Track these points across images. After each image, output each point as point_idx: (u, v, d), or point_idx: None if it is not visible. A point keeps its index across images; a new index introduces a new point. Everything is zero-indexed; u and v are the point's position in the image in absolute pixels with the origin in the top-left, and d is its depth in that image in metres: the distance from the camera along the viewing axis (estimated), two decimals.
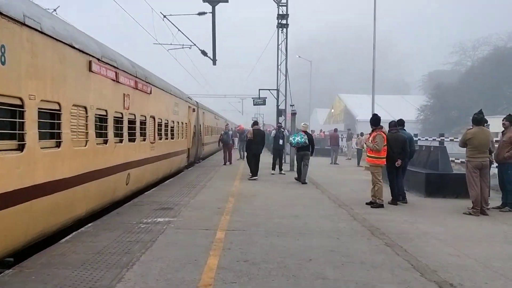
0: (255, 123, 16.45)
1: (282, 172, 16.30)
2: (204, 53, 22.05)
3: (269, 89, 21.25)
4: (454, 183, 11.10)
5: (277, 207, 9.22)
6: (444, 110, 51.86)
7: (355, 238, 6.56)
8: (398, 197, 9.85)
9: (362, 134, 23.15)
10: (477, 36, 71.50)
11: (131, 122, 10.05)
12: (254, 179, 14.55)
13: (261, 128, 16.47)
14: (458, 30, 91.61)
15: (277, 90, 21.78)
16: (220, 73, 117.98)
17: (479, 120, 8.68)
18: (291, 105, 18.46)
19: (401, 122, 10.67)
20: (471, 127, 8.84)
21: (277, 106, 21.67)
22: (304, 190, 12.03)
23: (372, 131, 9.81)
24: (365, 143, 10.32)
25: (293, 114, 17.70)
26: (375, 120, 9.83)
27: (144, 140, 11.24)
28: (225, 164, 20.43)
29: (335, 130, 24.63)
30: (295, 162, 15.69)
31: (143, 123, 11.10)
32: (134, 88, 10.16)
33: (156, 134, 12.45)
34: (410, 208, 9.40)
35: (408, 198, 10.58)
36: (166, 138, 14.05)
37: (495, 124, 31.31)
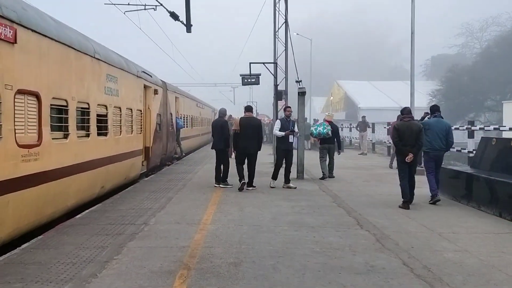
0: (245, 108, 10.55)
1: (291, 184, 10.24)
2: (174, 16, 15.81)
3: (263, 63, 15.15)
4: None
5: None
6: (461, 94, 45.84)
7: None
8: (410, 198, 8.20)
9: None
10: (477, 17, 65.73)
11: None
12: (248, 189, 9.90)
13: (255, 116, 10.84)
14: (455, 13, 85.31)
15: (275, 63, 15.68)
16: (209, 62, 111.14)
17: None
18: (297, 81, 12.40)
19: (436, 108, 9.04)
20: None
21: (275, 85, 15.57)
22: (351, 242, 5.98)
23: None
24: None
25: (302, 93, 11.65)
26: None
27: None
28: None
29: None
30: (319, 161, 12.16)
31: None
32: None
33: (47, 130, 6.35)
34: None
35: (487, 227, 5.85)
36: (86, 135, 7.98)
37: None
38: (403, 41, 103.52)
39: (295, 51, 15.92)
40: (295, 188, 9.89)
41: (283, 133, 10.01)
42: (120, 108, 9.95)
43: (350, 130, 31.06)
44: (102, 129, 8.85)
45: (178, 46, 32.02)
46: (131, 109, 10.94)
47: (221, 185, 10.24)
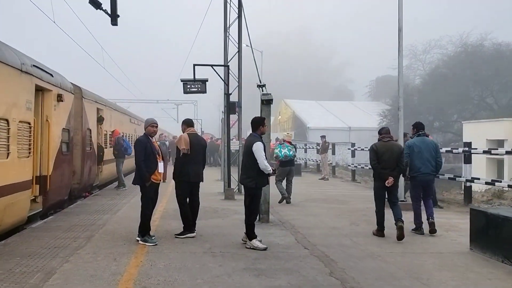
0: (187, 123, 7.33)
1: (258, 244, 6.28)
2: (95, 3, 11.99)
3: (211, 65, 11.70)
4: None
5: None
6: (411, 114, 45.02)
7: None
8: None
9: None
10: (420, 39, 67.08)
11: None
12: (189, 236, 6.85)
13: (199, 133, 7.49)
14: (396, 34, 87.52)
15: (226, 66, 12.28)
16: (151, 76, 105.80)
17: None
18: (259, 86, 9.03)
19: (421, 126, 8.03)
20: None
21: (227, 94, 12.14)
22: None
23: None
24: None
25: (267, 101, 8.26)
26: None
27: None
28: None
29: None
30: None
31: None
32: None
33: None
34: None
35: None
36: None
37: (471, 131, 23.40)
38: (345, 63, 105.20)
39: (245, 63, 12.76)
40: (265, 249, 6.29)
41: (271, 170, 6.52)
42: None
43: (305, 151, 28.27)
44: None
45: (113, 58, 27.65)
46: (6, 120, 7.00)
47: (140, 242, 6.51)
